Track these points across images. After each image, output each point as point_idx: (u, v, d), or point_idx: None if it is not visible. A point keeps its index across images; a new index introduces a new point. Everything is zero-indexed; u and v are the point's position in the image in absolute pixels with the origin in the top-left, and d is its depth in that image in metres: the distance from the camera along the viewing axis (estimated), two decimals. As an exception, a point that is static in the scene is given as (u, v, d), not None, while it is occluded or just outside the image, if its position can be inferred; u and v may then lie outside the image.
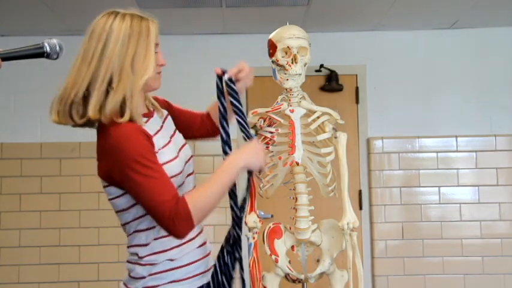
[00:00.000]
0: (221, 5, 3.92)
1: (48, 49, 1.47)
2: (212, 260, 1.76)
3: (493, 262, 4.35)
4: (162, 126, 1.70)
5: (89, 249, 4.33)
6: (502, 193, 4.42)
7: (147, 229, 1.61)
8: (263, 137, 2.33)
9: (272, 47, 2.32)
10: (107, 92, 1.53)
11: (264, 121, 2.34)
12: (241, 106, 1.85)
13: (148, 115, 1.68)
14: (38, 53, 1.47)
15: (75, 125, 1.63)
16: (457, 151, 4.47)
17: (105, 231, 4.35)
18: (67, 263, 4.32)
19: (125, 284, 1.67)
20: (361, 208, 4.44)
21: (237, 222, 1.76)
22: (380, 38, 4.58)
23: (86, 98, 1.54)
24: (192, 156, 1.76)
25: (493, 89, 4.52)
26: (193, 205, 1.50)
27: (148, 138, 1.55)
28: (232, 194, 1.71)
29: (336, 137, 2.35)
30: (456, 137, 4.48)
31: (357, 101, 4.55)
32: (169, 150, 1.64)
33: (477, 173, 4.44)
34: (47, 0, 3.76)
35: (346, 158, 2.35)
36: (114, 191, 1.59)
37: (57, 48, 1.48)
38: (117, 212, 1.65)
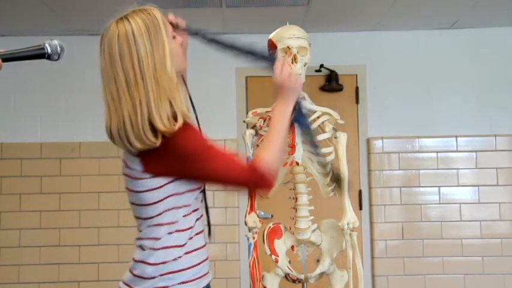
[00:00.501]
0: (221, 5, 3.92)
1: (49, 50, 1.47)
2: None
3: (493, 262, 4.35)
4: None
5: (89, 249, 4.33)
6: (502, 193, 4.42)
7: (167, 223, 1.59)
8: (263, 137, 2.33)
9: (272, 47, 2.32)
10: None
11: (264, 121, 2.34)
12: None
13: None
14: (39, 54, 1.46)
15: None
16: (457, 151, 4.47)
17: (105, 231, 4.35)
18: (67, 263, 4.32)
19: (127, 285, 1.63)
20: (361, 208, 4.44)
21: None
22: (380, 38, 4.58)
23: (150, 118, 1.49)
24: None
25: (493, 89, 4.51)
26: (265, 161, 1.56)
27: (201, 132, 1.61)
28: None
29: (335, 137, 2.36)
30: (456, 137, 4.48)
31: (357, 101, 4.55)
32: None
33: (477, 173, 4.44)
34: (47, 0, 3.76)
35: (346, 158, 2.35)
36: (157, 182, 1.55)
37: (58, 49, 1.48)
38: (143, 205, 1.60)
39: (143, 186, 1.57)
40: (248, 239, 2.33)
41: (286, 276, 2.38)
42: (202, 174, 1.56)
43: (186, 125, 1.54)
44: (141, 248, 1.62)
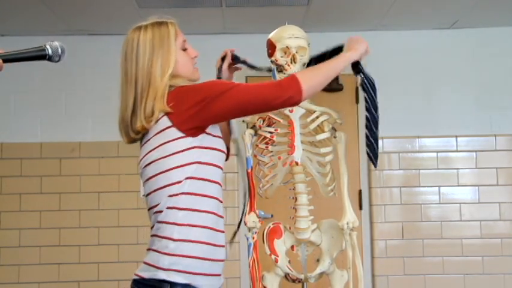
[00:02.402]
0: (221, 5, 3.92)
1: (50, 52, 1.47)
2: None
3: (493, 262, 4.35)
4: None
5: (89, 249, 4.33)
6: (502, 193, 4.42)
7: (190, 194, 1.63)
8: (262, 137, 2.33)
9: (271, 47, 2.32)
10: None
11: (263, 121, 2.34)
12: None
13: None
14: (40, 56, 1.46)
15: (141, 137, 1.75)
16: (457, 151, 4.47)
17: (105, 231, 4.35)
18: (67, 263, 4.32)
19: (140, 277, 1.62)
20: (361, 208, 4.44)
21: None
22: (380, 38, 4.57)
23: (133, 114, 1.71)
24: None
25: (493, 89, 4.51)
26: (300, 74, 1.69)
27: None
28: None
29: (335, 137, 2.35)
30: (456, 137, 4.48)
31: (357, 101, 4.55)
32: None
33: (477, 173, 4.44)
34: (47, 0, 3.77)
35: (345, 157, 2.35)
36: (190, 141, 1.63)
37: (59, 50, 1.48)
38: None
39: (178, 147, 1.63)
40: (248, 239, 2.33)
41: (286, 276, 2.38)
42: (230, 101, 1.62)
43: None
44: (160, 236, 1.63)
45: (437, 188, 4.44)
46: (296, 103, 1.68)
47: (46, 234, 4.32)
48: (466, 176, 4.44)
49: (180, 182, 1.61)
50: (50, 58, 1.47)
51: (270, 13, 4.05)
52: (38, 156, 4.39)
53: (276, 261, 2.34)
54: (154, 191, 1.66)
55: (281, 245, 2.35)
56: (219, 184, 1.70)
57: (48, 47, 1.46)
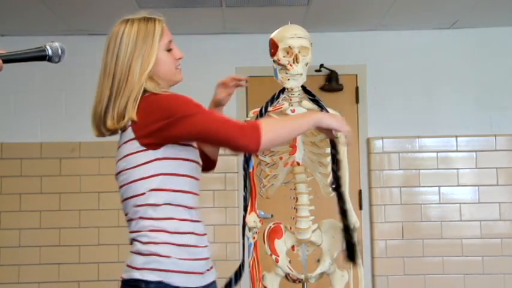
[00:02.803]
0: (221, 5, 3.92)
1: (50, 52, 1.46)
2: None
3: (493, 262, 4.35)
4: None
5: (89, 249, 4.33)
6: (502, 193, 4.42)
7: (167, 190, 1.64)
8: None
9: (273, 47, 2.31)
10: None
11: (264, 121, 2.34)
12: None
13: None
14: (40, 56, 1.46)
15: (110, 134, 1.77)
16: (457, 151, 4.47)
17: (105, 231, 4.34)
18: (67, 263, 4.32)
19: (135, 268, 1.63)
20: (361, 208, 4.44)
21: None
22: (380, 38, 4.57)
23: (107, 110, 1.70)
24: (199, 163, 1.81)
25: (493, 89, 4.51)
26: (264, 124, 1.59)
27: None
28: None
29: (335, 137, 2.35)
30: (456, 137, 4.48)
31: (357, 101, 4.55)
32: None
33: (477, 173, 4.44)
34: (47, 0, 3.76)
35: (346, 158, 2.35)
36: (152, 153, 1.64)
37: (59, 51, 1.48)
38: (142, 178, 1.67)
39: (132, 162, 1.68)
40: (248, 239, 2.33)
41: (287, 276, 2.38)
42: (193, 127, 1.58)
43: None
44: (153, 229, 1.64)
45: (437, 188, 4.44)
46: (250, 152, 1.67)
47: (46, 234, 4.32)
48: (466, 176, 4.44)
49: (143, 193, 1.65)
50: (50, 59, 1.47)
51: (270, 13, 4.05)
52: (38, 156, 4.39)
53: (277, 261, 2.33)
54: (125, 199, 1.72)
55: (282, 245, 2.35)
56: (191, 193, 1.68)
57: (48, 47, 1.46)
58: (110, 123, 1.68)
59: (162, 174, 1.63)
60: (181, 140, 1.64)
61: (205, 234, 1.72)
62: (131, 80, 1.64)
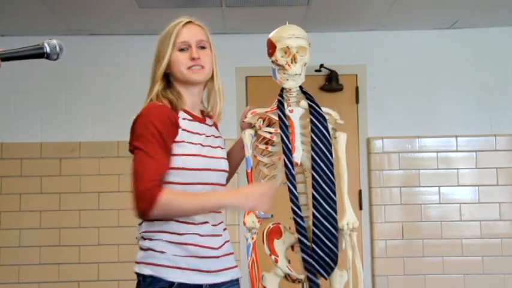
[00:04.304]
0: (221, 5, 3.92)
1: (48, 50, 1.46)
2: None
3: (493, 262, 4.35)
4: (205, 133, 1.82)
5: (89, 249, 4.33)
6: (502, 193, 4.42)
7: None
8: (262, 137, 2.33)
9: (271, 47, 2.31)
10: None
11: (263, 121, 2.34)
12: None
13: (200, 119, 1.84)
14: (38, 54, 1.46)
15: None
16: (457, 151, 4.47)
17: (105, 231, 4.35)
18: (67, 263, 4.32)
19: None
20: (361, 208, 4.44)
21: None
22: (380, 38, 4.57)
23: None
24: (226, 171, 1.88)
25: (493, 89, 4.51)
26: (165, 199, 1.61)
27: (173, 124, 1.69)
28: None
29: (335, 137, 2.35)
30: (456, 137, 4.48)
31: (357, 101, 4.55)
32: (195, 148, 1.73)
33: (477, 173, 4.44)
34: (47, 0, 3.76)
35: (345, 158, 2.34)
36: None
37: (57, 49, 1.47)
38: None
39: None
40: (247, 240, 2.33)
41: (286, 276, 2.38)
42: (134, 154, 1.68)
43: (157, 105, 1.73)
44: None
45: (437, 188, 4.44)
46: (140, 218, 1.69)
47: (46, 234, 4.33)
48: (466, 176, 4.44)
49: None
50: (48, 56, 1.47)
51: (270, 13, 4.05)
52: (38, 156, 4.39)
53: (276, 261, 2.33)
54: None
55: (281, 245, 2.34)
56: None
57: (46, 45, 1.46)
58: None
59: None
60: None
61: (215, 236, 1.75)
62: (152, 80, 1.80)
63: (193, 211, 1.69)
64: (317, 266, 2.12)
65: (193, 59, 1.81)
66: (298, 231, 2.20)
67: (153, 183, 1.61)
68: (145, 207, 1.60)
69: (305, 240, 2.15)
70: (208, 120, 1.91)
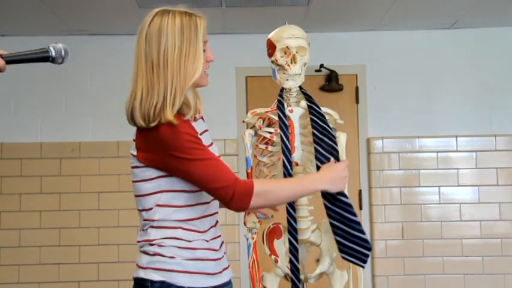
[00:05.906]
0: (221, 5, 3.92)
1: (53, 53, 1.46)
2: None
3: (493, 262, 4.35)
4: (206, 130, 1.75)
5: (89, 249, 4.33)
6: (502, 193, 4.42)
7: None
8: (262, 137, 2.33)
9: (271, 47, 2.31)
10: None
11: (263, 121, 2.34)
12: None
13: (195, 118, 1.71)
14: (43, 57, 1.46)
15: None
16: (457, 151, 4.47)
17: (105, 231, 4.35)
18: (67, 263, 4.32)
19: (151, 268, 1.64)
20: (361, 208, 4.44)
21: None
22: (380, 38, 4.57)
23: (162, 104, 1.57)
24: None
25: (493, 89, 4.51)
26: (261, 187, 1.59)
27: (196, 132, 1.62)
28: None
29: (335, 137, 2.35)
30: (456, 137, 4.48)
31: (357, 101, 4.56)
32: (214, 150, 1.69)
33: (477, 173, 4.44)
34: (47, 1, 3.76)
35: (346, 158, 2.34)
36: (150, 173, 1.63)
37: (63, 52, 1.47)
38: (137, 196, 1.69)
39: (137, 176, 1.65)
40: (247, 240, 2.33)
41: (286, 276, 2.38)
42: (186, 171, 1.58)
43: (184, 121, 1.60)
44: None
45: (437, 188, 4.44)
46: (239, 211, 1.65)
47: (46, 234, 4.33)
48: (466, 176, 4.44)
49: (150, 209, 1.65)
50: (53, 60, 1.47)
51: (270, 13, 4.05)
52: (38, 156, 4.39)
53: (276, 261, 2.33)
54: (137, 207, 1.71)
55: (281, 245, 2.35)
56: (200, 204, 1.68)
57: (51, 48, 1.46)
58: (169, 116, 1.56)
59: (166, 191, 1.64)
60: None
61: (216, 238, 1.73)
62: (184, 73, 1.59)
63: (289, 198, 1.73)
64: (350, 258, 2.18)
65: (210, 61, 1.71)
66: (289, 232, 2.21)
67: (235, 176, 1.59)
68: (241, 198, 1.57)
69: (294, 241, 2.17)
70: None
